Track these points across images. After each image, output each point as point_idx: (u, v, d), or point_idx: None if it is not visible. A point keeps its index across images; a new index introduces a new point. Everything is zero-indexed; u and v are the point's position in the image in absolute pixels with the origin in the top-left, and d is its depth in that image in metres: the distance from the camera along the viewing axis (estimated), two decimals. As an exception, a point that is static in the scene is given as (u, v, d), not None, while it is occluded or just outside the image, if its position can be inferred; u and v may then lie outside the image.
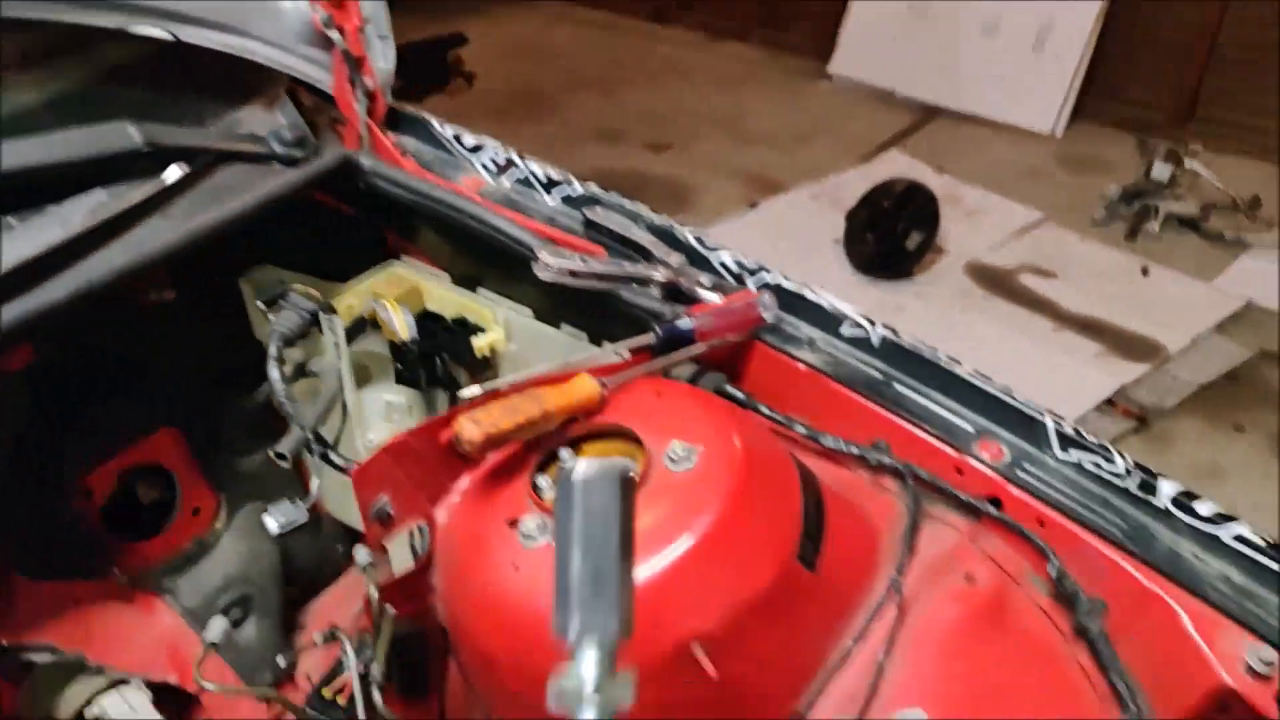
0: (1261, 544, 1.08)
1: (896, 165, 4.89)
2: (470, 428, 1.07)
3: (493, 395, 1.13)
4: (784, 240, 4.45)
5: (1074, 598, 1.13)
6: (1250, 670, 1.00)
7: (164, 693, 1.47)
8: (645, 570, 1.02)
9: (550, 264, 1.31)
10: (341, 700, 1.40)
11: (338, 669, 1.43)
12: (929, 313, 4.03)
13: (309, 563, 1.62)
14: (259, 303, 1.38)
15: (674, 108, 5.63)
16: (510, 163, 1.58)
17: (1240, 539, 1.08)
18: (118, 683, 1.44)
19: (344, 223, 1.61)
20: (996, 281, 4.21)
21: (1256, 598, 1.06)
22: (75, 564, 1.44)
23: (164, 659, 1.47)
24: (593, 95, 5.79)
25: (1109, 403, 3.61)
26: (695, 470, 1.07)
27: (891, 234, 4.02)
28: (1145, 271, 4.24)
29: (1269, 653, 1.00)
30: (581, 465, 0.32)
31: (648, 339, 1.26)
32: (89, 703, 1.43)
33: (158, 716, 1.40)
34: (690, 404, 1.16)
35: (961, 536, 1.19)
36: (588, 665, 0.31)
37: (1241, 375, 3.68)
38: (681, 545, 1.02)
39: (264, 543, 1.55)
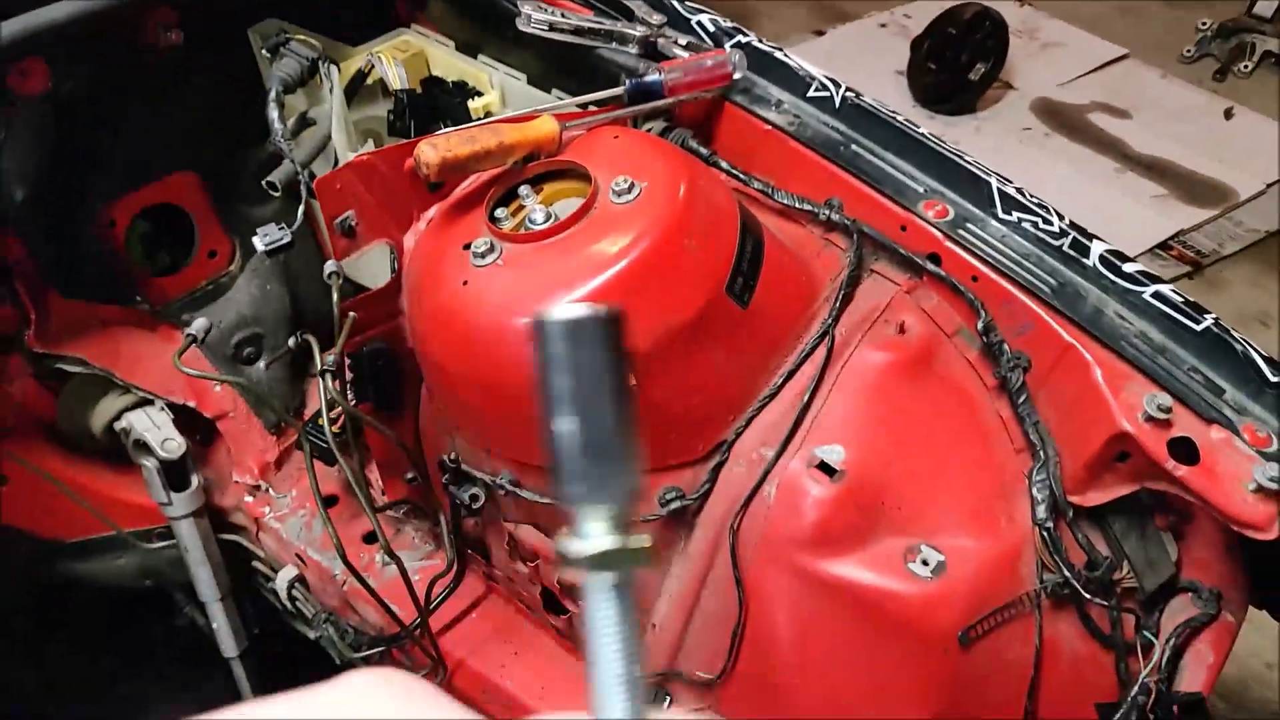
0: (1180, 302, 1.11)
1: (977, -6, 4.68)
2: (428, 151, 1.13)
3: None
4: (847, 69, 4.32)
5: (999, 351, 1.18)
6: (1148, 417, 1.04)
7: (183, 415, 1.61)
8: (584, 289, 1.09)
9: (532, 16, 1.35)
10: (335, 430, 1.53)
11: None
12: (988, 147, 3.93)
13: (322, 314, 1.73)
14: (263, 51, 1.45)
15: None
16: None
17: (1159, 296, 1.11)
18: (144, 401, 1.59)
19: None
20: (1063, 119, 4.08)
21: (1169, 353, 1.09)
22: (102, 287, 1.57)
23: (183, 384, 1.61)
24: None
25: (1165, 246, 3.54)
26: (636, 202, 1.12)
27: (954, 63, 3.89)
28: (1229, 114, 4.06)
29: (1166, 400, 1.04)
30: (559, 310, 0.28)
31: (618, 91, 1.30)
32: (118, 417, 1.58)
33: (179, 436, 1.55)
34: (643, 147, 1.21)
35: (899, 290, 1.23)
36: (598, 537, 0.28)
37: (1309, 224, 3.56)
38: (615, 268, 1.09)
39: (277, 286, 1.66)
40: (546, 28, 1.35)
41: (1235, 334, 1.09)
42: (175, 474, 1.52)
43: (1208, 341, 1.07)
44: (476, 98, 1.56)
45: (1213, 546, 1.13)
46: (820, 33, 4.61)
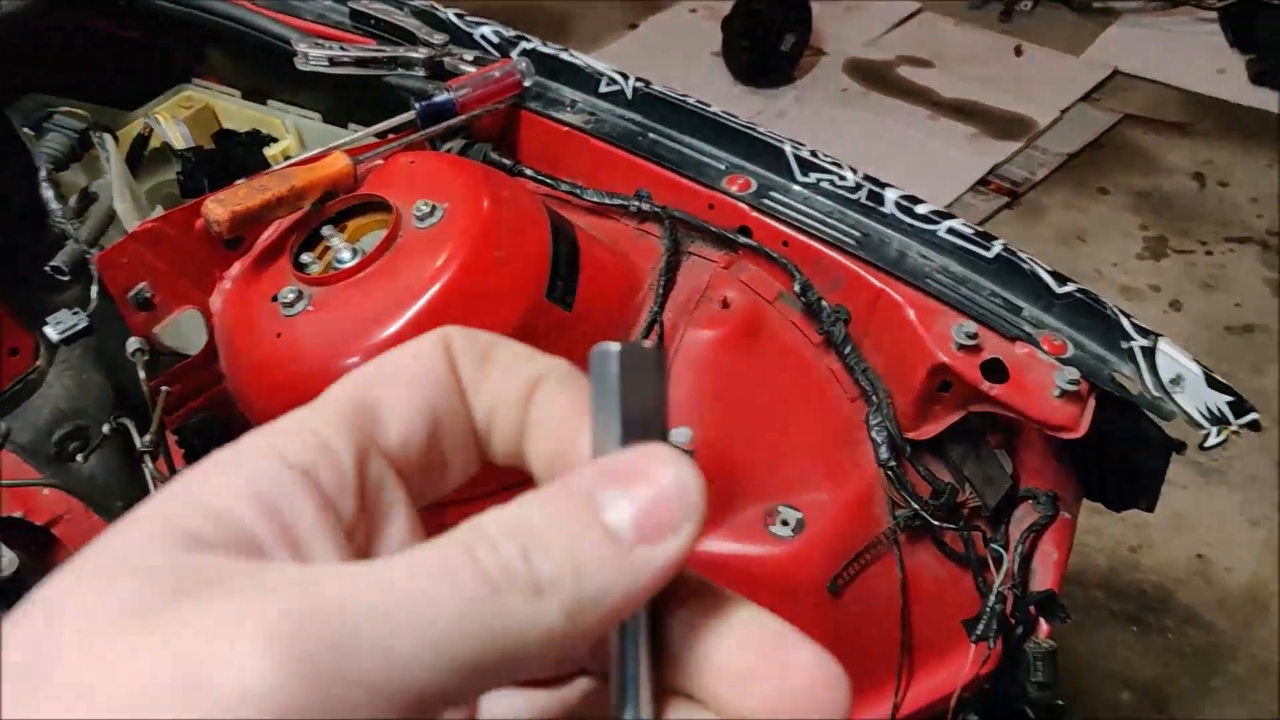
0: (971, 233, 1.17)
1: (774, -31, 4.82)
2: (215, 208, 1.11)
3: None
4: (665, 59, 4.41)
5: (818, 308, 1.22)
6: (959, 346, 1.09)
7: (13, 529, 1.54)
8: (399, 322, 1.09)
9: (309, 54, 1.34)
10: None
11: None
12: (810, 114, 4.05)
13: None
14: (25, 129, 1.40)
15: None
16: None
17: (953, 231, 1.17)
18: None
19: (127, 49, 1.61)
20: (875, 76, 4.23)
21: (969, 282, 1.15)
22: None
23: (5, 495, 1.53)
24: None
25: (984, 182, 3.70)
26: (440, 224, 1.12)
27: (765, 38, 4.00)
28: (1018, 51, 4.28)
29: (972, 327, 1.09)
30: (614, 346, 0.30)
31: (409, 116, 1.30)
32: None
33: (9, 552, 1.47)
34: (441, 167, 1.21)
35: (717, 267, 1.26)
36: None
37: (1105, 141, 3.77)
38: (429, 293, 1.09)
39: (93, 373, 1.59)
40: (326, 63, 1.34)
41: (1021, 255, 1.15)
42: (12, 591, 1.45)
43: (1000, 266, 1.14)
44: (272, 144, 1.54)
45: (1041, 454, 1.20)
46: (634, 26, 4.67)
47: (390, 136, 1.30)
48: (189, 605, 0.24)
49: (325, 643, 0.24)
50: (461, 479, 0.35)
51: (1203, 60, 4.08)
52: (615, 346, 0.30)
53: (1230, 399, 1.03)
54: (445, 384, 0.33)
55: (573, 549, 0.27)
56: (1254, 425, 1.02)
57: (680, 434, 1.19)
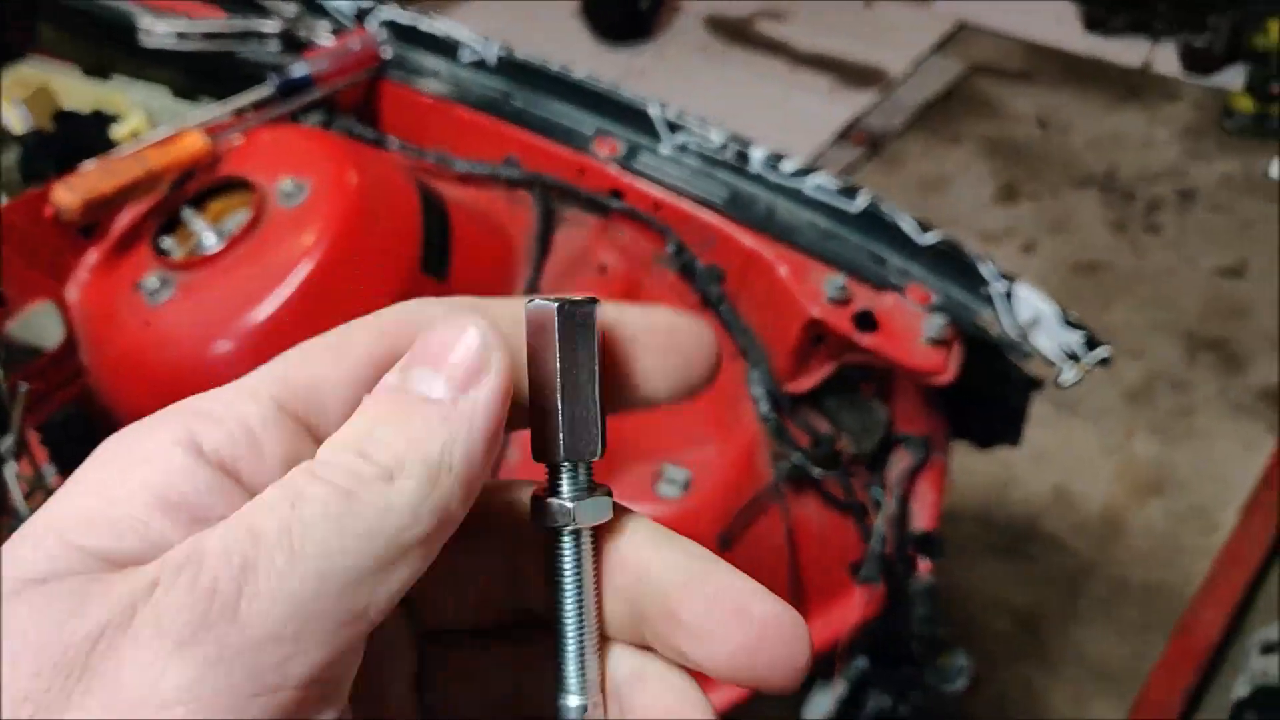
0: (836, 188, 1.20)
1: (626, -74, 4.79)
2: (65, 194, 1.06)
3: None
4: (524, 18, 4.35)
5: (693, 269, 1.24)
6: (830, 299, 1.13)
7: None
8: (272, 303, 1.06)
9: (154, 30, 1.28)
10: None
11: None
12: (671, 71, 4.06)
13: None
14: None
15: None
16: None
17: (819, 187, 1.20)
18: None
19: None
20: (733, 30, 4.26)
21: (836, 237, 1.18)
22: None
23: None
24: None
25: (844, 134, 3.79)
26: (307, 202, 1.10)
27: (621, -5, 3.99)
28: (869, 2, 4.36)
29: (841, 280, 1.13)
30: (552, 303, 0.30)
31: (267, 89, 1.26)
32: None
33: None
34: (304, 143, 1.18)
35: (592, 231, 1.27)
36: (570, 483, 0.31)
37: (956, 90, 3.90)
38: (300, 273, 1.06)
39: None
40: (174, 39, 1.28)
41: (885, 206, 1.19)
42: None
43: (865, 219, 1.17)
44: (119, 123, 1.46)
45: (913, 399, 1.25)
46: (489, -13, 4.58)
47: (247, 112, 1.26)
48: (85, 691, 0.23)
49: (228, 643, 0.24)
50: None
51: (1040, 10, 4.24)
52: (552, 304, 0.30)
53: (1084, 335, 1.10)
54: (384, 356, 0.31)
55: (403, 428, 0.28)
56: (1105, 361, 1.08)
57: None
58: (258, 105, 1.26)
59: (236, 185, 1.14)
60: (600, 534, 0.32)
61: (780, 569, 1.24)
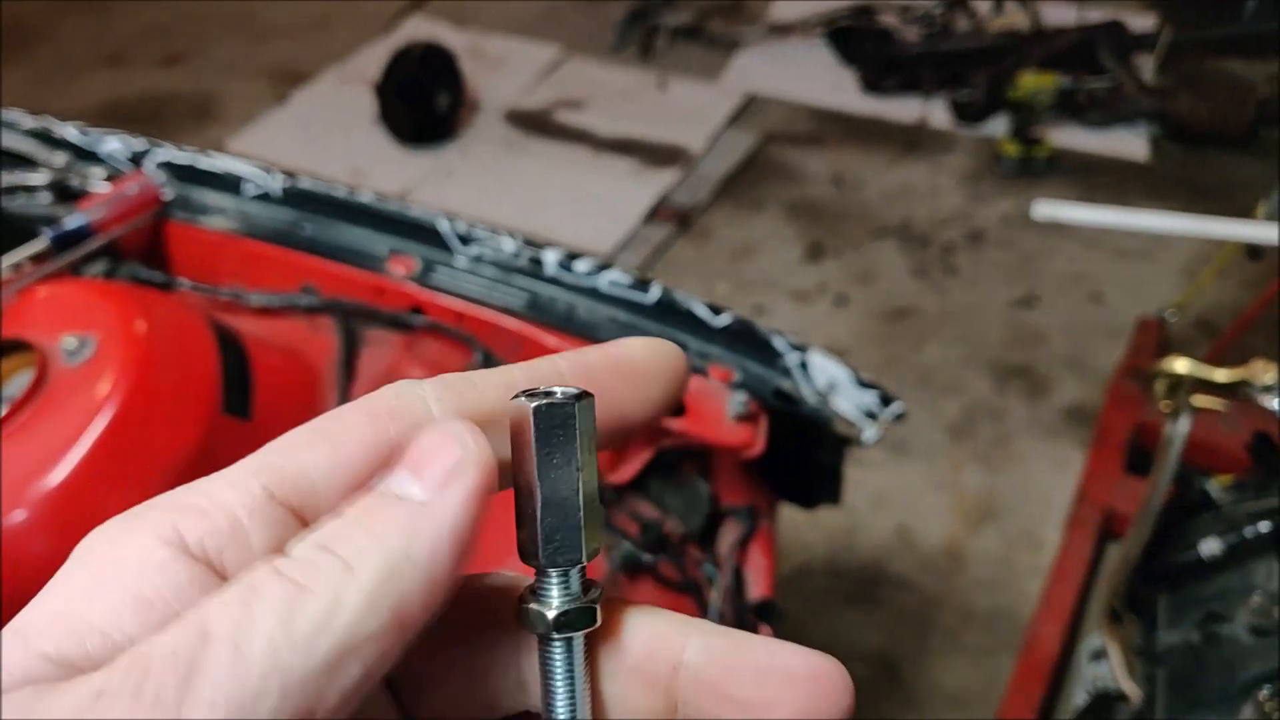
0: (629, 282, 1.24)
1: (418, 30, 4.86)
2: None
3: None
4: (323, 129, 4.34)
5: (504, 374, 1.25)
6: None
7: None
8: (66, 466, 1.02)
9: (-88, 195, 1.22)
10: None
11: None
12: (478, 168, 4.11)
13: None
14: None
15: (178, 15, 5.24)
16: None
17: (614, 283, 1.24)
18: None
19: None
20: (534, 123, 4.36)
21: (637, 329, 1.22)
22: None
23: None
24: (85, 16, 5.25)
25: (653, 213, 3.90)
26: (93, 358, 1.06)
27: (419, 100, 4.03)
28: (662, 85, 4.54)
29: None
30: (529, 401, 0.29)
31: (40, 244, 1.22)
32: None
33: None
34: (83, 296, 1.14)
35: (398, 349, 1.27)
36: (558, 588, 0.29)
37: (754, 160, 4.08)
38: (92, 433, 1.02)
39: None
40: (-66, 202, 1.23)
41: (677, 294, 1.24)
42: None
43: (661, 308, 1.22)
44: (-114, 293, 1.38)
45: (733, 472, 1.29)
46: (283, 99, 4.55)
47: (24, 269, 1.21)
48: None
49: None
50: None
51: (819, 77, 4.51)
52: (529, 404, 0.30)
53: (878, 394, 1.16)
54: (374, 441, 0.31)
55: (369, 525, 0.27)
56: (900, 417, 1.15)
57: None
58: (33, 260, 1.22)
59: (14, 347, 1.10)
60: (612, 633, 0.31)
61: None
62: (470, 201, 4.11)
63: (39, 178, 1.27)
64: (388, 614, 0.26)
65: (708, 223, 3.83)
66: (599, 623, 0.30)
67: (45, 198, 1.28)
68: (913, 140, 4.05)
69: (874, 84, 4.29)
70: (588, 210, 3.85)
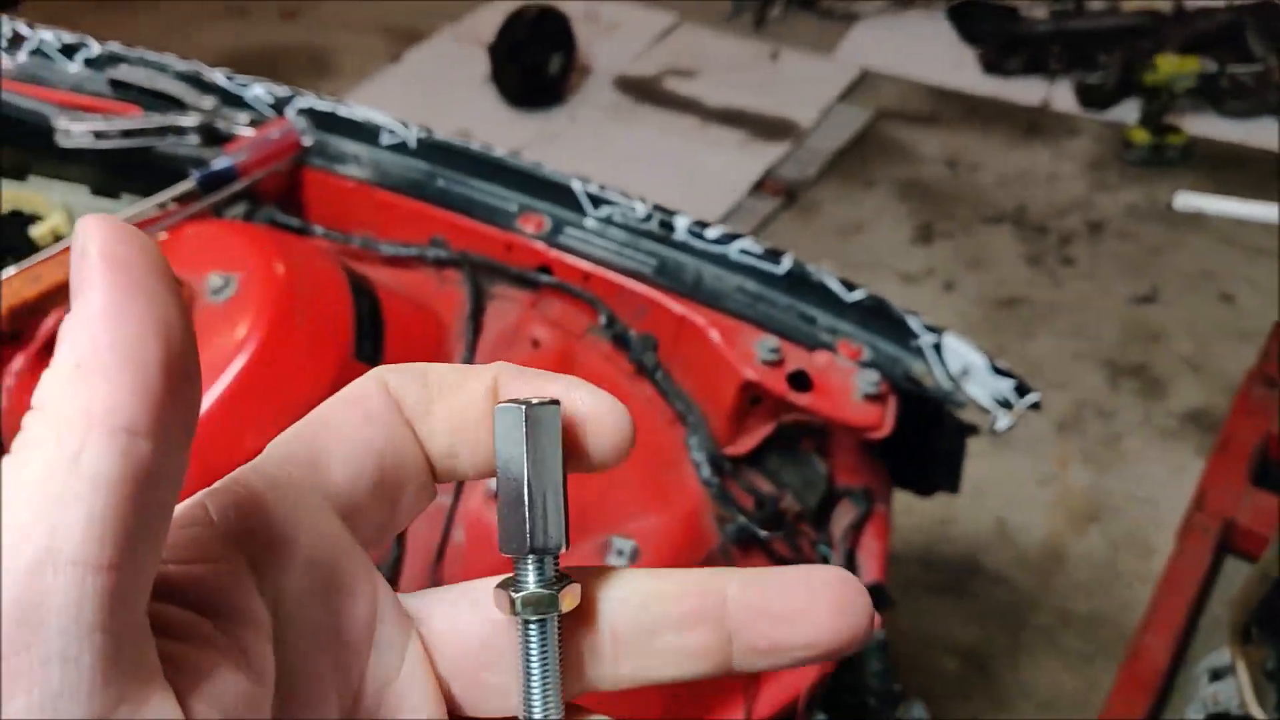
0: (759, 251, 1.22)
1: (532, -8, 4.87)
2: (-15, 304, 1.04)
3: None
4: (433, 88, 4.38)
5: (626, 338, 1.25)
6: (763, 361, 1.14)
7: None
8: (206, 401, 1.05)
9: (71, 130, 1.26)
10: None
11: None
12: (584, 133, 4.11)
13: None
14: None
15: (299, -31, 5.33)
16: (19, 36, 1.48)
17: (744, 251, 1.22)
18: None
19: None
20: (643, 90, 4.33)
21: (766, 299, 1.20)
22: None
23: None
24: (208, -32, 5.37)
25: (759, 185, 3.86)
26: (235, 297, 1.09)
27: (532, 62, 4.03)
28: (775, 56, 4.47)
29: (773, 341, 1.15)
30: (520, 406, 0.32)
31: (188, 185, 1.24)
32: None
33: None
34: (229, 236, 1.17)
35: (523, 307, 1.27)
36: (535, 574, 0.33)
37: (866, 136, 4.00)
38: (231, 371, 1.05)
39: None
40: (91, 138, 1.26)
41: (810, 267, 1.22)
42: None
43: (792, 280, 1.20)
44: (38, 224, 1.43)
45: (852, 452, 1.27)
46: (397, 58, 4.60)
47: (171, 207, 1.24)
48: None
49: None
50: (416, 512, 0.35)
51: (939, 54, 4.40)
52: (519, 407, 0.32)
53: (1014, 383, 1.13)
54: (390, 421, 0.33)
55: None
56: (1036, 405, 1.11)
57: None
58: (180, 200, 1.25)
59: (160, 284, 1.12)
60: (665, 584, 0.34)
61: (734, 631, 1.24)
62: (575, 166, 4.10)
63: (189, 120, 1.29)
64: None
65: (815, 198, 3.78)
66: (565, 609, 0.33)
67: (193, 140, 1.30)
68: (1034, 123, 3.92)
69: (996, 64, 4.17)
70: (693, 180, 3.82)
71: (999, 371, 1.13)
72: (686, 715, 1.19)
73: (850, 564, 1.22)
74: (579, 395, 0.34)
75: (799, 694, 1.18)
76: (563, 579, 0.33)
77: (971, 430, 1.21)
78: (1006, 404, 1.12)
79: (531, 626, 0.33)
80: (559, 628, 0.33)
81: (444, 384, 0.34)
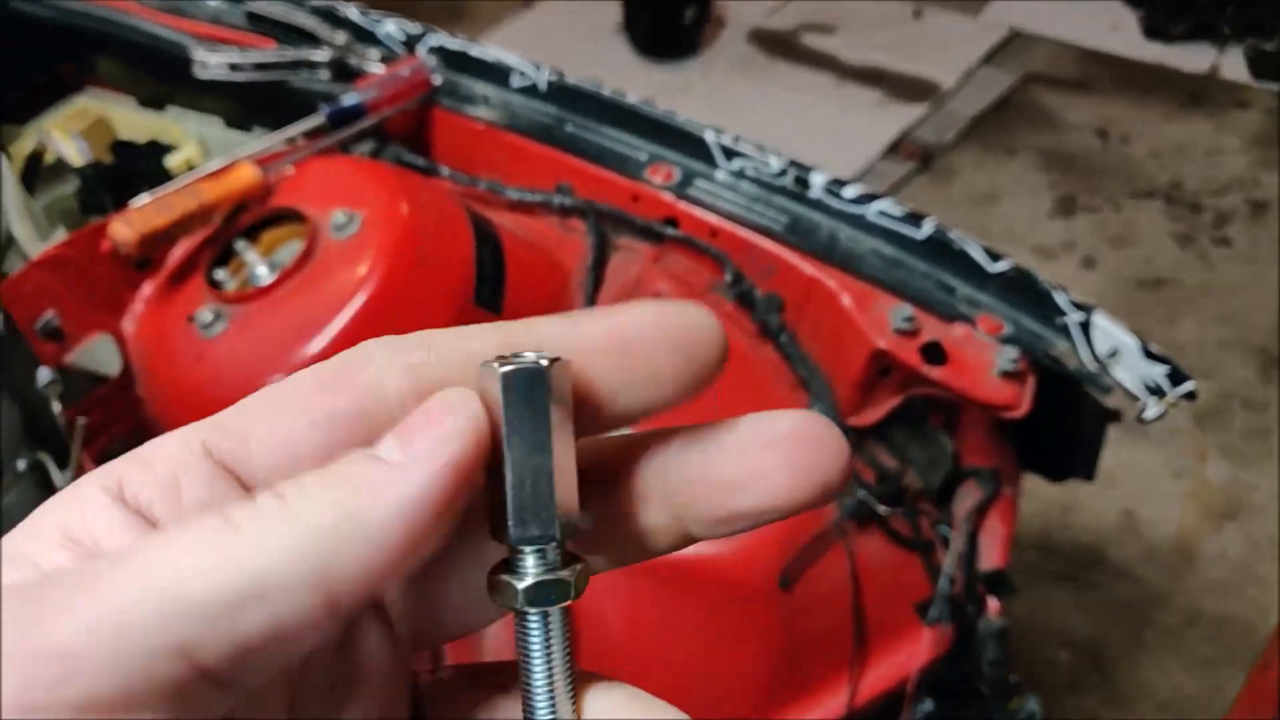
0: (900, 214, 1.16)
1: (671, -59, 4.77)
2: (123, 229, 1.05)
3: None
4: (565, 35, 4.35)
5: (752, 298, 1.20)
6: (897, 330, 1.09)
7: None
8: (325, 336, 1.05)
9: (208, 61, 1.27)
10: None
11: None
12: (716, 86, 4.03)
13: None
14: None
15: (440, -87, 5.34)
16: (167, -35, 1.50)
17: (883, 213, 1.16)
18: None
19: (10, 60, 1.52)
20: (778, 44, 4.23)
21: (902, 265, 1.14)
22: None
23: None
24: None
25: (894, 148, 3.73)
26: (359, 234, 1.08)
27: (666, 11, 3.97)
28: (917, 14, 4.31)
29: (908, 310, 1.09)
30: (499, 366, 0.28)
31: (318, 119, 1.24)
32: None
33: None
34: (356, 173, 1.16)
35: (646, 260, 1.24)
36: (534, 561, 0.29)
37: (1010, 101, 3.83)
38: (352, 307, 1.04)
39: (3, 408, 1.51)
40: (227, 70, 1.27)
41: (952, 234, 1.15)
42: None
43: (932, 247, 1.13)
44: (174, 153, 1.46)
45: (981, 431, 1.20)
46: (530, 4, 4.59)
47: (299, 142, 1.24)
48: None
49: (13, 648, 0.22)
50: None
51: (1096, 16, 4.16)
52: (498, 368, 0.28)
53: (1167, 369, 1.05)
54: (320, 410, 0.30)
55: (328, 477, 0.25)
56: (1191, 395, 1.03)
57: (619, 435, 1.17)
58: (309, 135, 1.25)
59: (289, 217, 1.13)
60: (610, 471, 0.31)
61: (843, 609, 1.19)
62: (704, 119, 4.06)
63: (321, 55, 1.29)
64: (313, 568, 0.24)
65: (951, 163, 3.63)
66: (575, 596, 0.29)
67: (325, 75, 1.30)
68: (1198, 93, 3.68)
69: (1159, 28, 3.92)
70: (825, 139, 3.71)
71: (1152, 356, 1.05)
72: (794, 684, 1.16)
73: (971, 547, 1.16)
74: (639, 314, 0.30)
75: (907, 676, 1.13)
76: (570, 560, 0.29)
77: (1114, 416, 1.13)
78: (1158, 391, 1.04)
79: (531, 617, 0.29)
80: (565, 615, 0.29)
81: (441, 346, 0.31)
